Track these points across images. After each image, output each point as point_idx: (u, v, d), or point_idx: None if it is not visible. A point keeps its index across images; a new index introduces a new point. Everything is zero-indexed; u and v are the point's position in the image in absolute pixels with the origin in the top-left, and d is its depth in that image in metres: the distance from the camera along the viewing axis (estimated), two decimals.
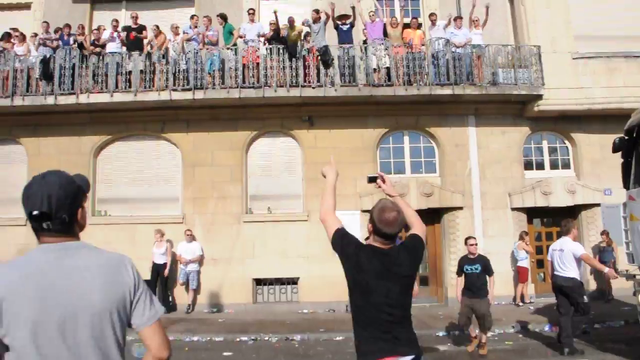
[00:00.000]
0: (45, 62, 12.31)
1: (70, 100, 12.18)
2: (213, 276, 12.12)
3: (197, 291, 12.03)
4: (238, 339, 9.52)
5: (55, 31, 12.88)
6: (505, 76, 12.48)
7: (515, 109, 12.93)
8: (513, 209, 12.74)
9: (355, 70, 12.12)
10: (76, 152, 12.79)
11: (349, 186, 12.35)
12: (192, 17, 12.84)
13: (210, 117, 12.59)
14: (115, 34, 12.49)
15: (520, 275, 12.15)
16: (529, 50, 12.55)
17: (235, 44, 12.44)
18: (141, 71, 12.16)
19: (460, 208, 12.60)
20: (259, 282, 12.35)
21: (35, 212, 1.81)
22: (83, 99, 12.14)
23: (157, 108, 12.39)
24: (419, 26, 13.06)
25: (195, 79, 11.96)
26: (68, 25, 12.90)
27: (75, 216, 1.91)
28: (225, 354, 8.48)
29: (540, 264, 12.83)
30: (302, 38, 12.41)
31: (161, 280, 11.79)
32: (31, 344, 1.72)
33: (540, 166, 13.34)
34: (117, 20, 12.91)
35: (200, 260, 12.02)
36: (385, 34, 12.56)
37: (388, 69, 12.30)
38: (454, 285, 12.01)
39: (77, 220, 1.93)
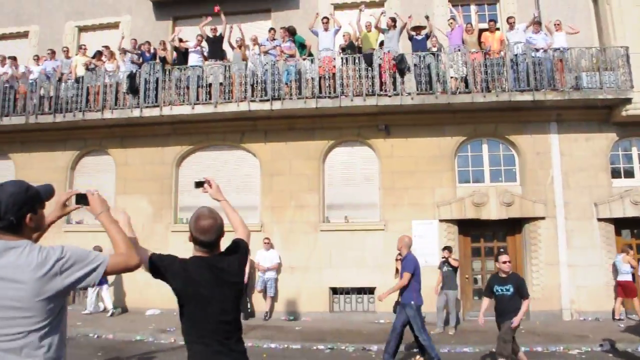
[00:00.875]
0: (131, 77, 12.74)
1: (155, 112, 12.56)
2: (290, 284, 12.08)
3: (274, 299, 12.03)
4: (315, 348, 9.43)
5: (138, 47, 13.33)
6: (589, 80, 11.77)
7: (600, 114, 12.15)
8: (599, 220, 11.92)
9: (432, 78, 11.79)
10: (160, 162, 13.18)
11: (426, 196, 12.03)
12: (269, 30, 12.93)
13: (288, 127, 12.61)
14: (198, 48, 12.76)
15: (623, 290, 11.25)
16: (615, 51, 11.76)
17: (310, 54, 12.42)
18: (221, 83, 12.35)
19: (543, 218, 11.94)
20: (335, 291, 12.18)
21: None
22: (166, 111, 12.49)
23: (236, 119, 12.55)
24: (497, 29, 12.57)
25: (273, 89, 12.01)
26: (148, 42, 13.31)
27: (23, 219, 2.18)
28: None
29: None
30: (377, 43, 12.23)
31: None
32: None
33: (630, 174, 12.45)
34: (201, 36, 13.11)
35: (277, 268, 12.01)
36: (462, 41, 12.20)
37: (466, 75, 11.89)
38: (537, 298, 11.47)
39: (25, 223, 2.19)
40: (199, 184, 3.38)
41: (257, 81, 12.20)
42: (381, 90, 11.82)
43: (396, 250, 8.57)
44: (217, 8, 12.90)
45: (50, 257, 2.12)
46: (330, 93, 11.90)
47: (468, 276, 12.28)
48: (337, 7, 14.05)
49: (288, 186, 12.45)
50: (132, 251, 2.37)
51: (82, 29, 15.31)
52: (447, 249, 10.82)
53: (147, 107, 12.56)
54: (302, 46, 12.74)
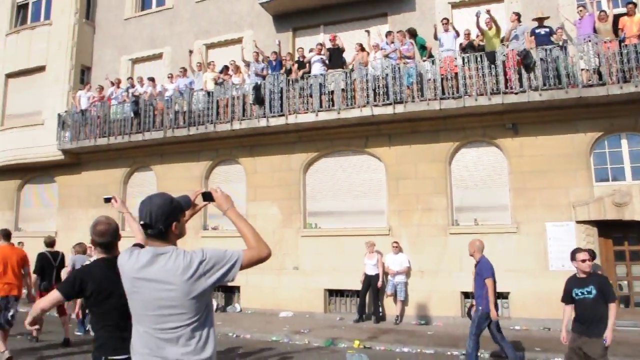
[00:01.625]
0: (257, 88, 13.20)
1: (280, 121, 12.95)
2: (420, 288, 11.90)
3: (404, 302, 11.91)
4: (449, 353, 9.17)
5: (263, 60, 13.80)
6: None
7: None
8: None
9: (560, 71, 11.06)
10: (287, 169, 13.56)
11: (560, 196, 11.33)
12: (387, 34, 12.84)
13: (411, 130, 12.44)
14: (318, 57, 12.98)
15: None
16: None
17: (431, 56, 12.17)
18: (343, 90, 12.44)
19: None
20: (467, 295, 11.79)
21: (141, 222, 2.47)
22: (291, 119, 12.82)
23: (360, 124, 12.59)
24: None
25: (394, 93, 11.90)
26: (274, 52, 13.75)
27: (170, 227, 2.48)
28: None
29: None
30: (500, 41, 11.72)
31: (373, 291, 11.86)
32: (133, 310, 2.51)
33: None
34: (320, 44, 13.44)
35: (407, 272, 11.86)
36: (594, 29, 11.35)
37: (598, 66, 11.03)
38: None
39: (172, 230, 2.49)
40: (107, 200, 3.87)
41: (378, 85, 12.15)
42: (506, 87, 11.30)
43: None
44: (332, 36, 13.39)
45: (194, 260, 2.39)
46: (453, 93, 11.58)
47: (611, 282, 11.36)
48: (455, 5, 13.68)
49: (414, 189, 12.27)
50: (262, 244, 2.53)
51: (209, 47, 16.24)
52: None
53: (273, 116, 12.99)
54: (422, 47, 12.52)
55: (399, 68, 12.04)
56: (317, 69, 12.95)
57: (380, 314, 11.98)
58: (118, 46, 17.79)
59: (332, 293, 12.91)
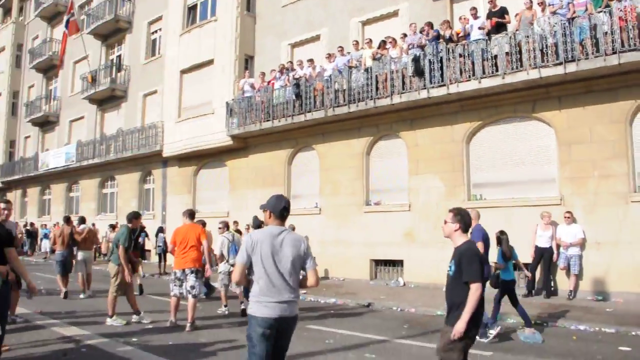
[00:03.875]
0: (416, 60, 14.01)
1: (441, 92, 13.62)
2: (596, 261, 11.76)
3: (578, 277, 11.88)
4: (634, 333, 8.76)
5: (421, 31, 14.54)
6: None
7: None
8: None
9: None
10: (449, 140, 14.25)
11: None
12: None
13: (585, 90, 12.28)
14: (474, 22, 13.42)
15: None
16: None
17: (607, 5, 11.86)
18: (507, 53, 12.66)
19: None
20: None
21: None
22: (453, 89, 13.42)
23: (526, 88, 12.78)
24: None
25: (565, 51, 11.84)
26: (429, 24, 14.41)
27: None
28: (621, 348, 7.91)
29: None
30: None
31: (545, 264, 12.09)
32: (260, 262, 4.21)
33: None
34: (475, 9, 13.90)
35: (581, 244, 11.83)
36: None
37: None
38: None
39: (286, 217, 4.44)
40: None
41: (546, 45, 12.17)
42: None
43: None
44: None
45: (302, 239, 4.44)
46: (635, 45, 11.18)
47: None
48: None
49: (589, 155, 12.13)
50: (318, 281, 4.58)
51: (365, 23, 17.48)
52: None
53: (433, 87, 13.70)
54: None
55: (569, 23, 11.95)
56: (476, 34, 13.36)
57: (552, 288, 12.12)
58: (278, 33, 19.85)
59: None
